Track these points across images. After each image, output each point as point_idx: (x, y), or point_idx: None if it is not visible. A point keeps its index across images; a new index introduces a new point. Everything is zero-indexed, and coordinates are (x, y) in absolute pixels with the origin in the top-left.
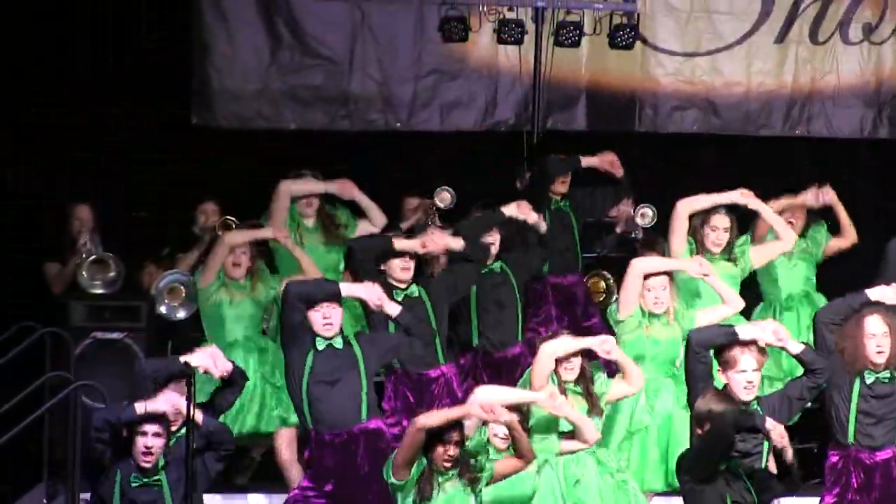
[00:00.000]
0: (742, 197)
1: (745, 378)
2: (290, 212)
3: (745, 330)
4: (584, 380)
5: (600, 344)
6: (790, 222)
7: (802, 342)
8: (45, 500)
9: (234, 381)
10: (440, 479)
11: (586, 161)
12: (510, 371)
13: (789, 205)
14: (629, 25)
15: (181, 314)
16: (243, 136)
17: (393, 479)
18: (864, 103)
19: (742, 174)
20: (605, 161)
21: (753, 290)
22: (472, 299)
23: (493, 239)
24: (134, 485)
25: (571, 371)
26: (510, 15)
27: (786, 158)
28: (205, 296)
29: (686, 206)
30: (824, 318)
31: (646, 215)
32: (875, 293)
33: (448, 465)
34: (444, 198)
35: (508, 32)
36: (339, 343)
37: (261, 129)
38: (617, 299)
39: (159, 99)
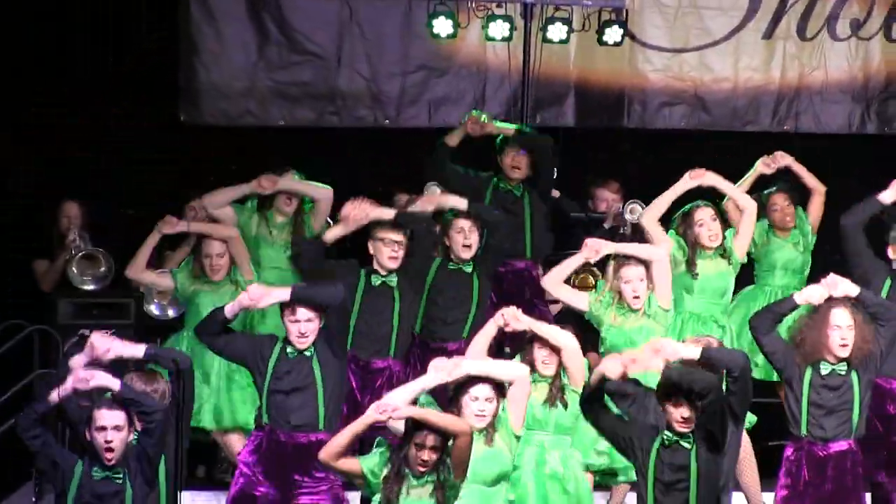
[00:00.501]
0: (693, 179)
1: None
2: (255, 206)
3: (627, 358)
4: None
5: (500, 319)
6: (788, 218)
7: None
8: (33, 499)
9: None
10: (412, 482)
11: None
12: None
13: (748, 186)
14: (617, 21)
15: (171, 313)
16: (242, 136)
17: None
18: (852, 99)
19: (730, 170)
20: (474, 131)
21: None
22: (424, 291)
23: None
24: (95, 477)
25: (549, 366)
26: (499, 11)
27: None
28: (181, 285)
29: (650, 218)
30: (755, 324)
31: (634, 211)
32: (801, 297)
33: (423, 469)
34: (433, 192)
35: (497, 28)
36: (309, 353)
37: (248, 126)
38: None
39: (159, 99)
